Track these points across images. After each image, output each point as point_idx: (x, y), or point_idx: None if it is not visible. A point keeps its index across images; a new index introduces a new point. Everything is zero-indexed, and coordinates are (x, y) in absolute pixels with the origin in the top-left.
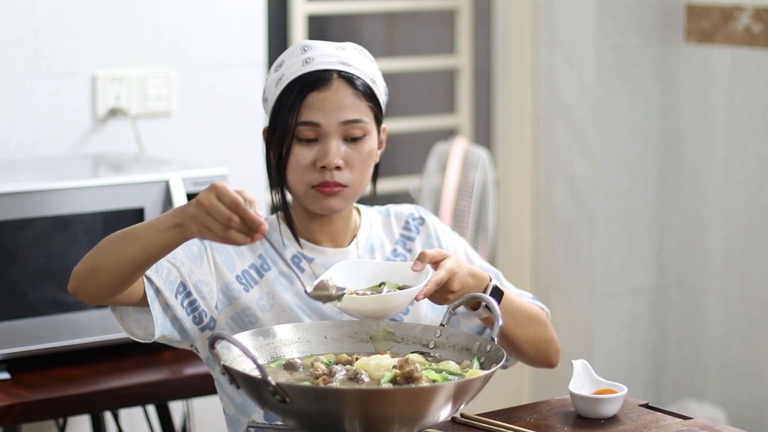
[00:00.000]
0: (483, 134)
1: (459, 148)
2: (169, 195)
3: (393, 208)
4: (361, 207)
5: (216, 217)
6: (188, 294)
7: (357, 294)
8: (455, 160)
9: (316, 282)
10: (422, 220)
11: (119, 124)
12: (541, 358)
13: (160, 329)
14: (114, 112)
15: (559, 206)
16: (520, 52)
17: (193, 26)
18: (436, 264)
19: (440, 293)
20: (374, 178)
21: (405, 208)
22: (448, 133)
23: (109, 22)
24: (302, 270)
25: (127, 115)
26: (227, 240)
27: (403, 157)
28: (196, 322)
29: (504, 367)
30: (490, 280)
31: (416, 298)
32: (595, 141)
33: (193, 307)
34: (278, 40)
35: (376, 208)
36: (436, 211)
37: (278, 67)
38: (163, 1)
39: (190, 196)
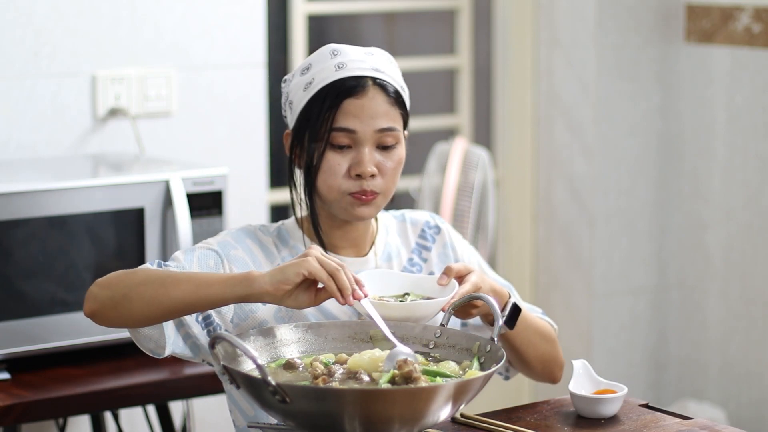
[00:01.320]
0: (483, 134)
1: (459, 148)
2: (169, 195)
3: (408, 213)
4: None
5: (325, 266)
6: (208, 315)
7: (383, 300)
8: (455, 160)
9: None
10: (438, 229)
11: (119, 124)
12: (547, 374)
13: (171, 347)
14: (114, 112)
15: (559, 206)
16: (520, 52)
17: (193, 26)
18: (460, 278)
19: (464, 307)
20: None
21: (421, 215)
22: (448, 133)
23: (109, 22)
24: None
25: (127, 115)
26: (328, 287)
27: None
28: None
29: (506, 378)
30: (510, 296)
31: (443, 309)
32: (595, 141)
33: (207, 321)
34: (278, 40)
35: (392, 213)
36: (436, 211)
37: (305, 70)
38: (163, 1)
39: (190, 196)
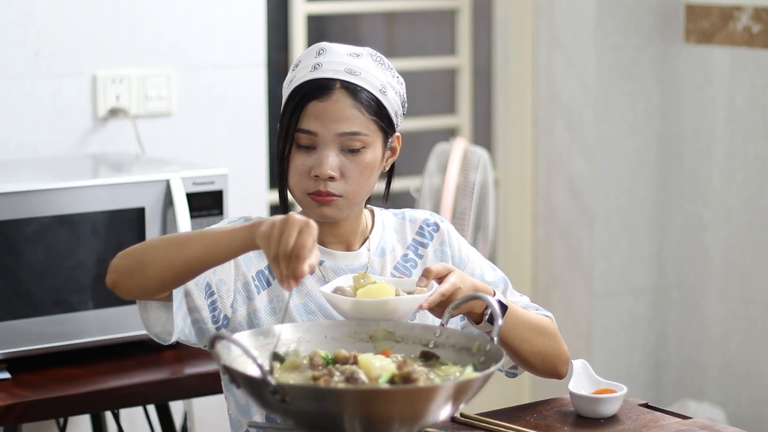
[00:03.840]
0: (483, 134)
1: (459, 148)
2: (169, 195)
3: (408, 212)
4: (376, 209)
5: (282, 238)
6: (212, 293)
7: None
8: (455, 160)
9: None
10: (437, 227)
11: (119, 124)
12: (549, 369)
13: (178, 334)
14: (114, 112)
15: (559, 206)
16: (520, 52)
17: (193, 26)
18: (440, 279)
19: (443, 307)
20: (388, 182)
21: (420, 213)
22: (449, 133)
23: (109, 22)
24: (311, 272)
25: (127, 115)
26: (272, 262)
27: (404, 157)
28: (213, 322)
29: (513, 375)
30: (494, 294)
31: (420, 306)
32: (595, 141)
33: (213, 306)
34: (278, 40)
35: (392, 211)
36: (436, 211)
37: (295, 67)
38: (163, 1)
39: (191, 196)
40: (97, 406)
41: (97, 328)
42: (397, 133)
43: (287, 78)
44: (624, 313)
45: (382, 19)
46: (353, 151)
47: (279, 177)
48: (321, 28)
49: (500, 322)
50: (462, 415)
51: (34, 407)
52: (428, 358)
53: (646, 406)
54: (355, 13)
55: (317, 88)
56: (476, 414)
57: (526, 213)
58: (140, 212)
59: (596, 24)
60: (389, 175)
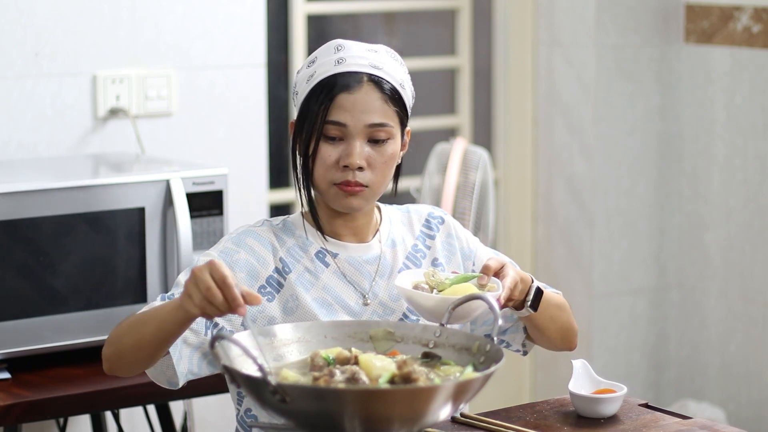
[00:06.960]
0: (483, 134)
1: (459, 148)
2: (169, 195)
3: (412, 206)
4: (381, 205)
5: (200, 287)
6: (215, 325)
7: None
8: (455, 160)
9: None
10: (442, 220)
11: (119, 124)
12: (566, 343)
13: (186, 377)
14: (114, 112)
15: (559, 206)
16: (520, 52)
17: (193, 26)
18: (497, 274)
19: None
20: (396, 177)
21: (424, 207)
22: (449, 133)
23: (109, 22)
24: (327, 265)
25: (127, 115)
26: (204, 313)
27: (404, 156)
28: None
29: (524, 353)
30: (532, 281)
31: (499, 302)
32: (595, 141)
33: (220, 333)
34: (278, 40)
35: (396, 207)
36: None
37: (311, 63)
38: (163, 1)
39: (191, 196)
40: (97, 406)
41: (97, 328)
42: (408, 128)
43: (303, 74)
44: (624, 313)
45: (382, 19)
46: (378, 142)
47: (302, 170)
48: (321, 28)
49: (500, 322)
50: (462, 415)
51: (34, 407)
52: (431, 358)
53: (646, 406)
54: (355, 13)
55: (346, 81)
56: (476, 414)
57: (526, 213)
58: (140, 212)
59: (596, 24)
60: (397, 170)
